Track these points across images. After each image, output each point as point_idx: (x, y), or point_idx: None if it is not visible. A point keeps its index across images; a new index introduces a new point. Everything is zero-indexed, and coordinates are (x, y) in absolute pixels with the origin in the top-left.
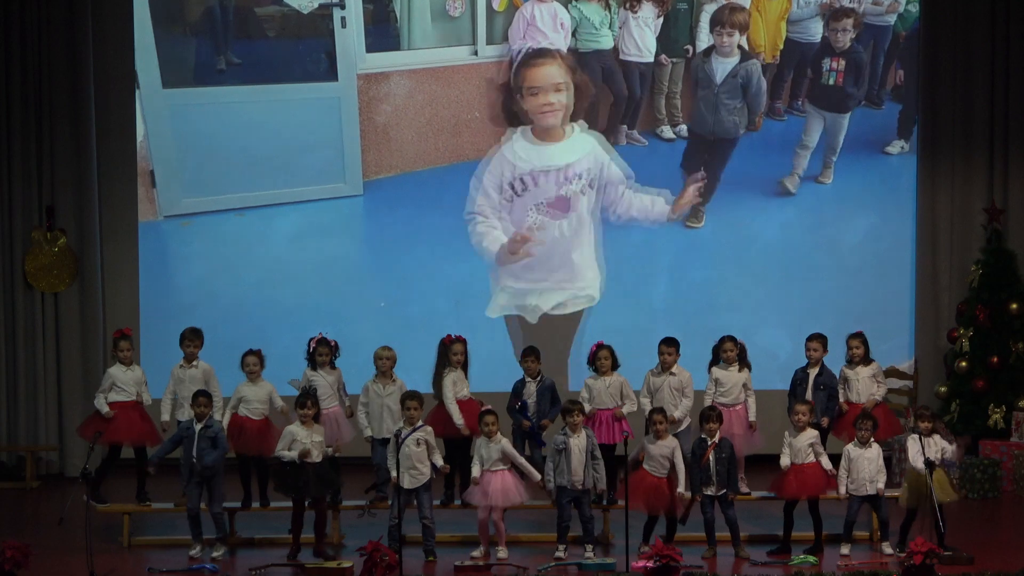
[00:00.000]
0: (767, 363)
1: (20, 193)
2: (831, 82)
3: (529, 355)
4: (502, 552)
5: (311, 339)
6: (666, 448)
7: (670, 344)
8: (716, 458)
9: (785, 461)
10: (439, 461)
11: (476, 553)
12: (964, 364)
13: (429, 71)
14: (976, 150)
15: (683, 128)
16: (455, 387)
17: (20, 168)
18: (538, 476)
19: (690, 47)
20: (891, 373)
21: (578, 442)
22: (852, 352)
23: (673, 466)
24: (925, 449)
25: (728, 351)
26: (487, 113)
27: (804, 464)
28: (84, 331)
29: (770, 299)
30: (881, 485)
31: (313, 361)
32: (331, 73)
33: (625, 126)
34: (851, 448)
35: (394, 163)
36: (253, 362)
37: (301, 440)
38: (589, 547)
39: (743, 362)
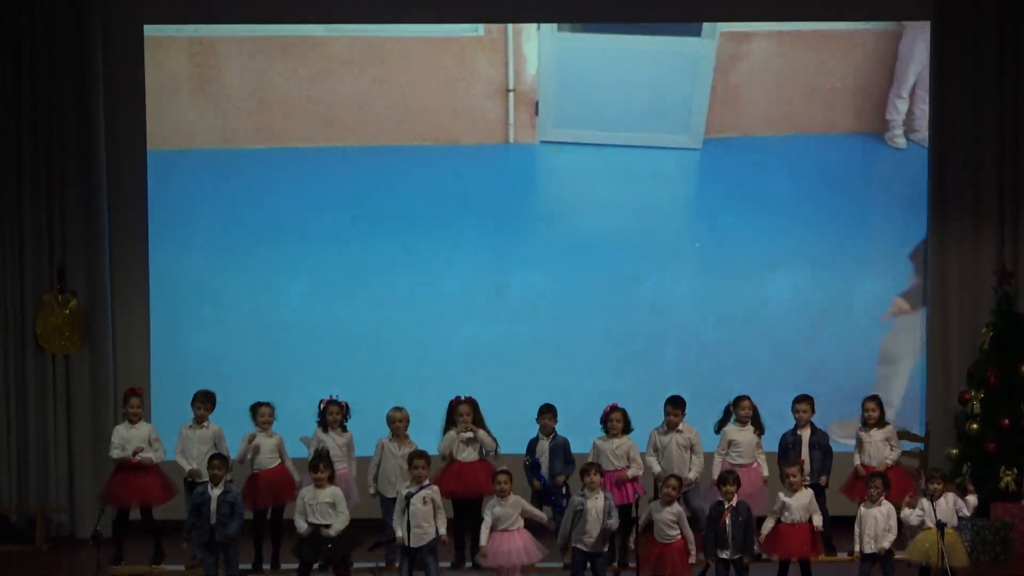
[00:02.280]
0: (776, 425)
1: (31, 255)
2: None
3: (546, 412)
4: None
5: (321, 400)
6: (671, 515)
7: (676, 404)
8: (732, 521)
9: (769, 523)
10: (443, 527)
11: None
12: (975, 426)
13: (795, 34)
14: (986, 212)
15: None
16: (452, 444)
17: (31, 229)
18: (545, 517)
19: None
20: (902, 435)
21: (595, 504)
22: (867, 415)
23: (681, 531)
24: (937, 511)
25: (744, 409)
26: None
27: (795, 524)
28: (95, 393)
29: (780, 361)
30: (886, 544)
31: (324, 422)
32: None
33: None
34: (862, 508)
35: (738, 123)
36: (267, 412)
37: (308, 503)
38: None
39: (756, 423)
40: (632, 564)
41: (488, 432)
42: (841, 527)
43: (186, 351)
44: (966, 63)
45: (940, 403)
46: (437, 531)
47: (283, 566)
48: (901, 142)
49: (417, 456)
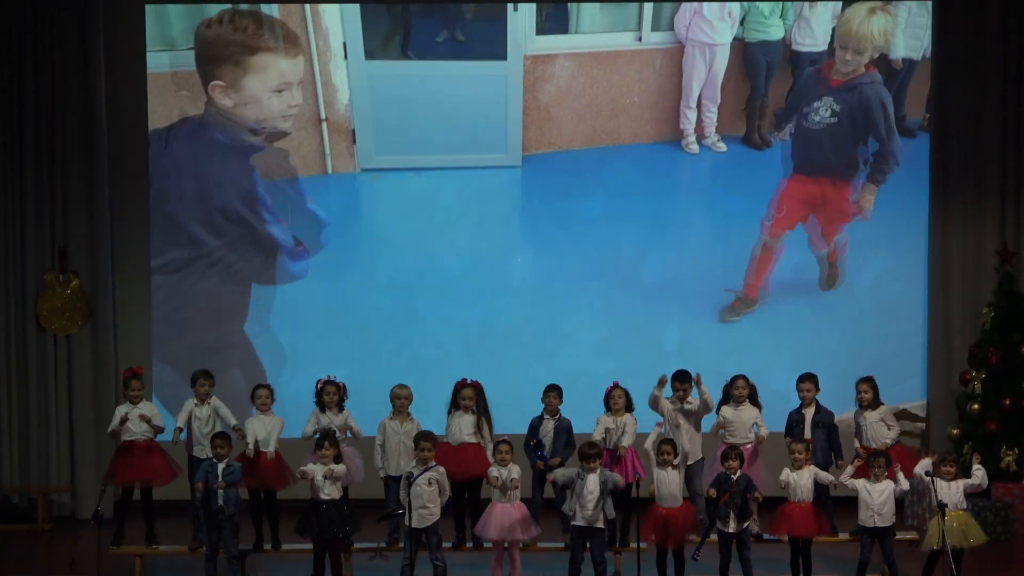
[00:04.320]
0: (778, 406)
1: (33, 235)
2: None
3: (550, 391)
4: None
5: (319, 381)
6: (675, 478)
7: (683, 379)
8: (739, 492)
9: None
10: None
11: None
12: (976, 407)
13: (593, 55)
14: (988, 192)
15: None
16: (450, 430)
17: (33, 210)
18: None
19: None
20: (903, 415)
21: (594, 478)
22: (860, 396)
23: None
24: (939, 492)
25: (739, 388)
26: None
27: (800, 504)
28: (96, 373)
29: (781, 341)
30: (886, 523)
31: (321, 403)
32: (503, 53)
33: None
34: (865, 482)
35: (553, 140)
36: (265, 395)
37: (318, 483)
38: None
39: (754, 402)
40: (633, 544)
41: (489, 418)
42: (843, 508)
43: (188, 330)
44: (968, 42)
45: (941, 383)
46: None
47: (284, 546)
48: (695, 148)
49: (424, 438)
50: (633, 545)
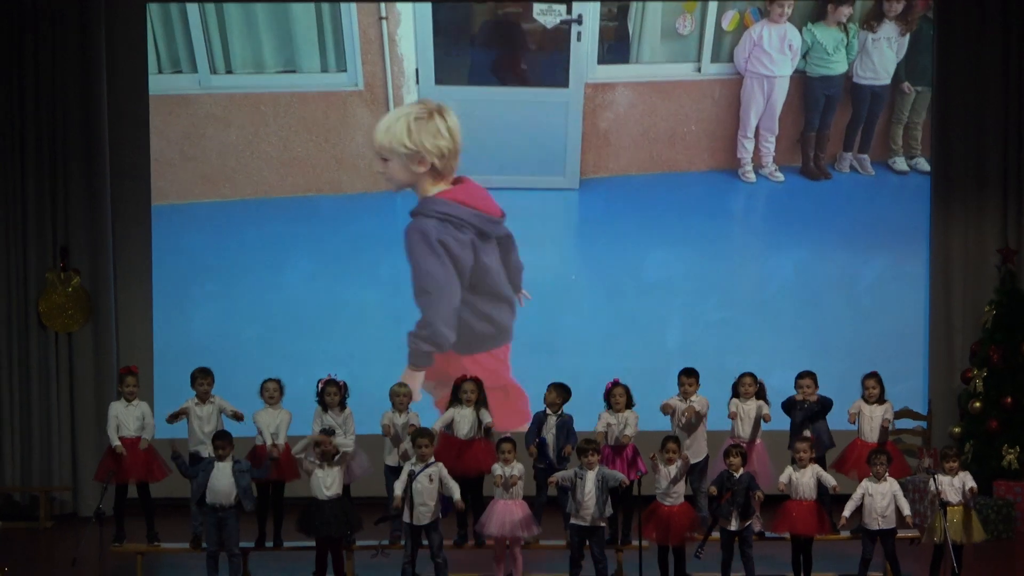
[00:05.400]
0: (779, 404)
1: (34, 234)
2: None
3: (553, 388)
4: None
5: (319, 380)
6: (678, 472)
7: (690, 375)
8: (736, 492)
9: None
10: (456, 493)
11: None
12: (978, 405)
13: (652, 84)
14: (989, 191)
15: (920, 161)
16: (456, 426)
17: (34, 209)
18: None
19: None
20: (905, 414)
21: (591, 476)
22: (868, 392)
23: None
24: (941, 487)
25: (746, 385)
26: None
27: (803, 501)
28: (98, 371)
29: (784, 340)
30: (890, 525)
31: (323, 402)
32: (564, 80)
33: (850, 153)
34: (867, 482)
35: (610, 166)
36: (273, 388)
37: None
38: None
39: (762, 400)
40: (634, 541)
41: (488, 412)
42: (842, 507)
43: (189, 329)
44: (968, 40)
45: (943, 381)
46: (451, 498)
47: (286, 544)
48: (751, 177)
49: (421, 435)
50: (635, 543)
